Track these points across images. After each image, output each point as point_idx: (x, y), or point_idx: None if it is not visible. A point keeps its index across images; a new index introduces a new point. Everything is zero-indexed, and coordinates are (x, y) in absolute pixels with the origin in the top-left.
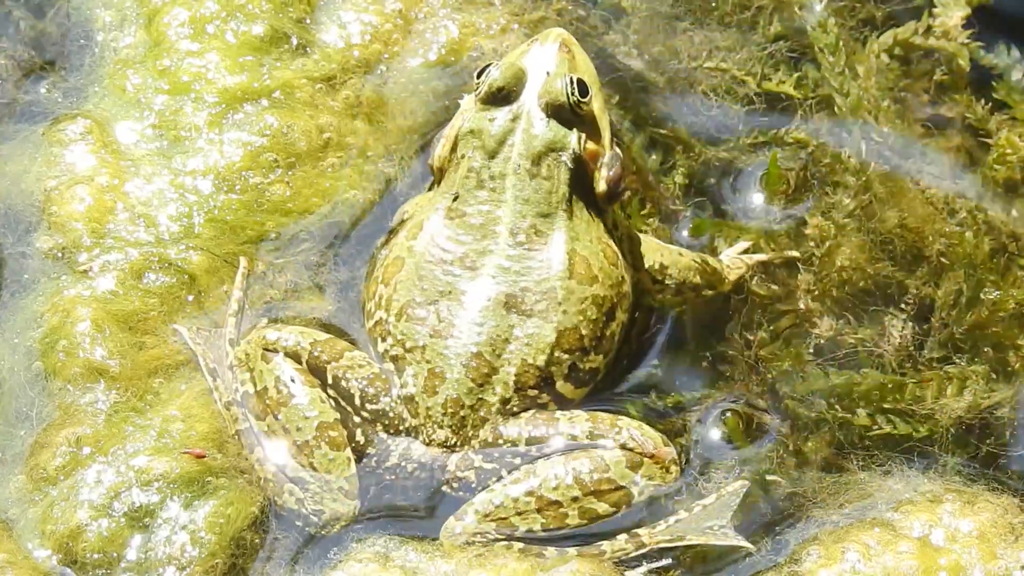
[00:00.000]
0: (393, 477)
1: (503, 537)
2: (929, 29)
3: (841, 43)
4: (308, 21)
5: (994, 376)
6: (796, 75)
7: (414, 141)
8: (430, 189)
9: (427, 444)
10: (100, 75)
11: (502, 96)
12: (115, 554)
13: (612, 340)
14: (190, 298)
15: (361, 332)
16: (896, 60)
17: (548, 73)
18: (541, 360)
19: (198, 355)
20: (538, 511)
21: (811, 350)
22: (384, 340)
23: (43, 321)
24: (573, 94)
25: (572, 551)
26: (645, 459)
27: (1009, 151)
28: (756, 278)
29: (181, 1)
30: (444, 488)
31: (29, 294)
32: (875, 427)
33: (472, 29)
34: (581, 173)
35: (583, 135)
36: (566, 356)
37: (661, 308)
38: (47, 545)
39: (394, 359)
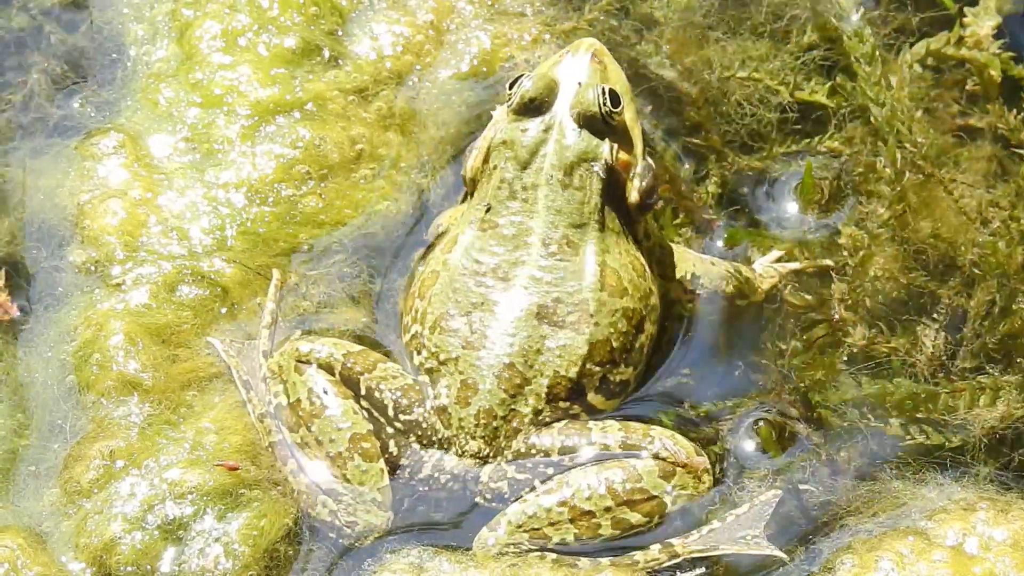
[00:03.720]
0: (426, 488)
1: (536, 548)
2: (961, 39)
3: (877, 53)
4: (340, 33)
5: None
6: (829, 84)
7: (446, 152)
8: (463, 200)
9: (460, 455)
10: (132, 89)
11: (534, 107)
12: (149, 567)
13: (641, 352)
14: (223, 310)
15: (396, 344)
16: (928, 70)
17: (580, 84)
18: (573, 372)
19: (231, 367)
20: (571, 521)
21: (844, 359)
22: (419, 353)
23: (76, 335)
24: (605, 104)
25: (605, 561)
26: (678, 468)
27: None
28: (789, 287)
29: (213, 14)
30: (477, 499)
31: (62, 308)
32: (908, 437)
33: (504, 40)
34: (613, 183)
35: (615, 145)
36: (597, 368)
37: (693, 317)
38: (81, 558)
39: (429, 372)
